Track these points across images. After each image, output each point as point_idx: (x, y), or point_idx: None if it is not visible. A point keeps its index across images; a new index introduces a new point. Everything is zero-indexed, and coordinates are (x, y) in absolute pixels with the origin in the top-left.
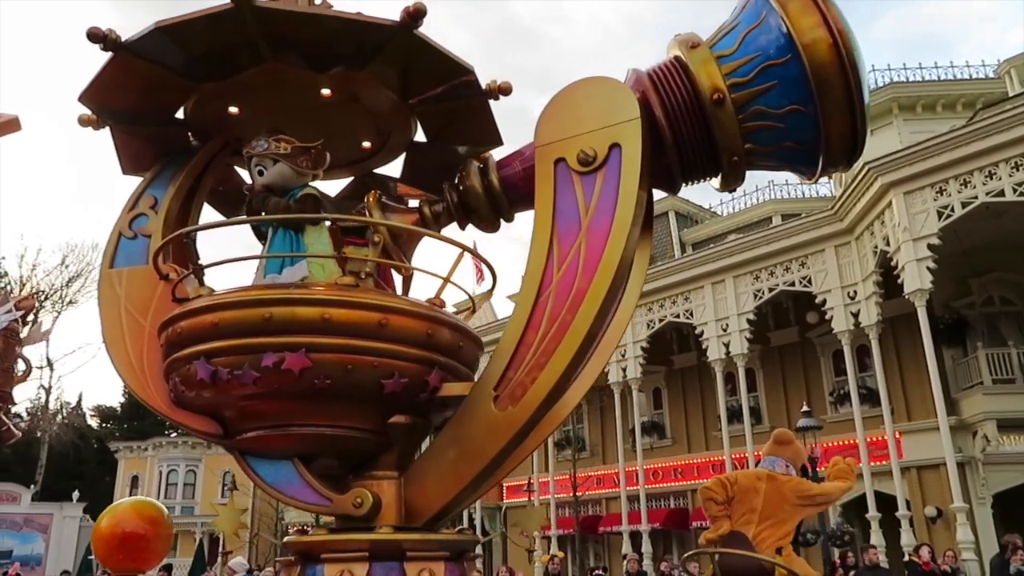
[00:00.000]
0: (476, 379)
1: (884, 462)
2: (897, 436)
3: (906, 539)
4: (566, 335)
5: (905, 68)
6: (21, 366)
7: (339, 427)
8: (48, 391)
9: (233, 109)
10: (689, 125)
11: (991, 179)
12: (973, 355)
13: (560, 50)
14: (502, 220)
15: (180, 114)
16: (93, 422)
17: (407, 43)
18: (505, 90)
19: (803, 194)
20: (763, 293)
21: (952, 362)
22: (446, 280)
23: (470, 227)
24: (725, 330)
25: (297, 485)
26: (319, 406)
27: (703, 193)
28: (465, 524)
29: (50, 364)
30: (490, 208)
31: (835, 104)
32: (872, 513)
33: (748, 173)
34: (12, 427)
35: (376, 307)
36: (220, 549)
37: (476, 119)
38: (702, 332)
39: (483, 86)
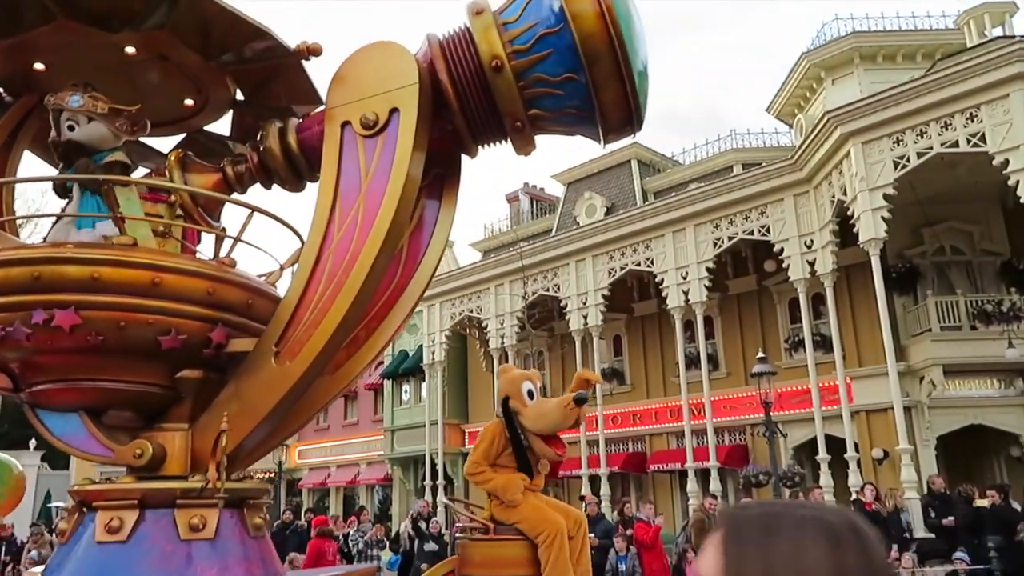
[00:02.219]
0: None
1: (835, 406)
2: (848, 381)
3: (853, 480)
4: (339, 294)
5: (867, 18)
6: None
7: (122, 381)
8: None
9: (39, 66)
10: (472, 91)
11: (946, 130)
12: (923, 303)
13: None
14: (307, 181)
15: None
16: None
17: (197, 4)
18: (315, 51)
19: (764, 143)
20: (723, 242)
21: (903, 310)
22: (236, 239)
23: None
24: (685, 278)
25: (83, 437)
26: (99, 361)
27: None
28: (427, 468)
29: None
30: (289, 169)
31: (605, 73)
32: (822, 455)
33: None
34: None
35: (148, 266)
36: None
37: (290, 79)
38: (662, 280)
39: (292, 47)
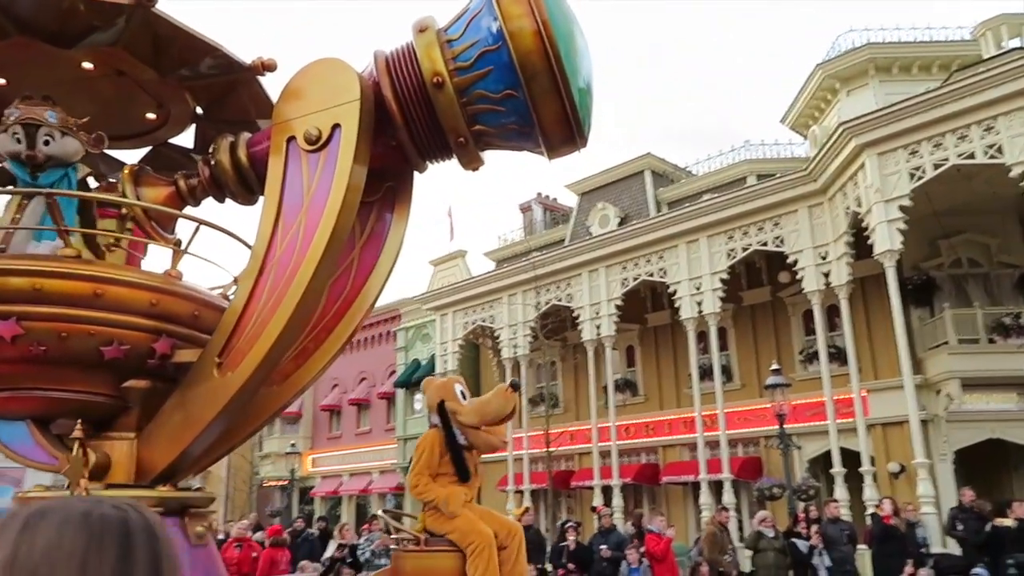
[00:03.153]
0: None
1: (851, 419)
2: (864, 394)
3: (869, 493)
4: (280, 306)
5: (883, 29)
6: None
7: (68, 391)
8: None
9: (0, 80)
10: (415, 107)
11: (963, 141)
12: (940, 315)
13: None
14: (258, 195)
15: None
16: None
17: (147, 20)
18: (269, 67)
19: (778, 154)
20: (736, 253)
21: (919, 322)
22: (182, 252)
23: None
24: (698, 289)
25: (29, 445)
26: (43, 371)
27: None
28: None
29: None
30: (239, 183)
31: (543, 90)
32: (837, 469)
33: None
34: None
35: (90, 277)
36: None
37: (248, 93)
38: (675, 291)
39: (247, 63)
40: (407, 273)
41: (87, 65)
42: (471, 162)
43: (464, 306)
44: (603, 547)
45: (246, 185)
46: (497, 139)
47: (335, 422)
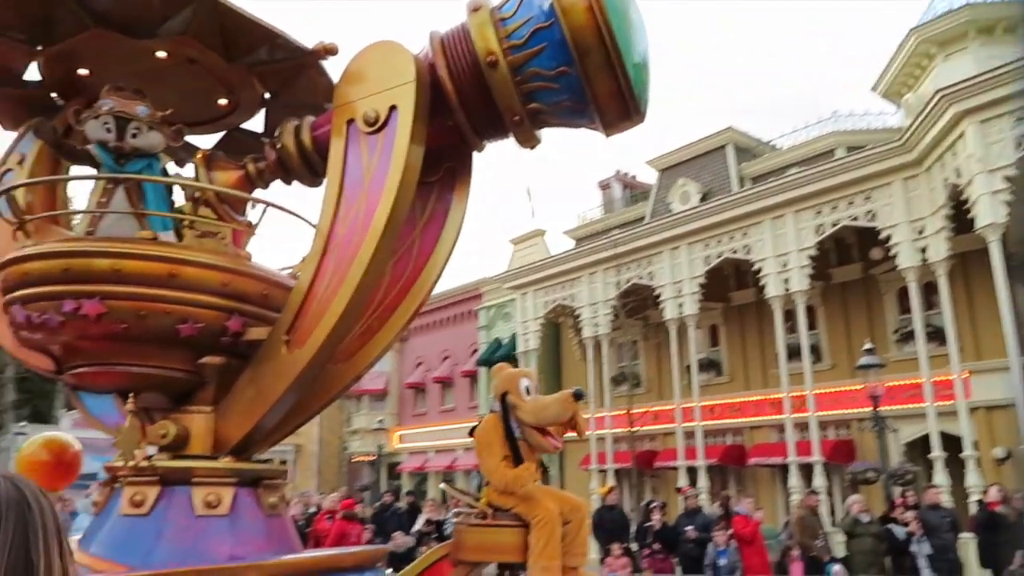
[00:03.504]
0: None
1: (951, 402)
2: (965, 376)
3: (972, 479)
4: (342, 286)
5: None
6: None
7: (149, 366)
8: None
9: (83, 71)
10: (470, 87)
11: None
12: None
13: None
14: (322, 177)
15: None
16: None
17: (214, 8)
18: (331, 50)
19: (869, 125)
20: (825, 228)
21: None
22: (251, 231)
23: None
24: (785, 266)
25: (115, 416)
26: (125, 347)
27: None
28: None
29: None
30: (304, 166)
31: (596, 67)
32: (936, 453)
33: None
34: None
35: (165, 259)
36: None
37: (312, 78)
38: (760, 269)
39: (309, 47)
40: (487, 252)
41: (160, 54)
42: (527, 141)
43: (544, 285)
44: (689, 528)
45: (310, 167)
46: (552, 117)
47: (420, 400)
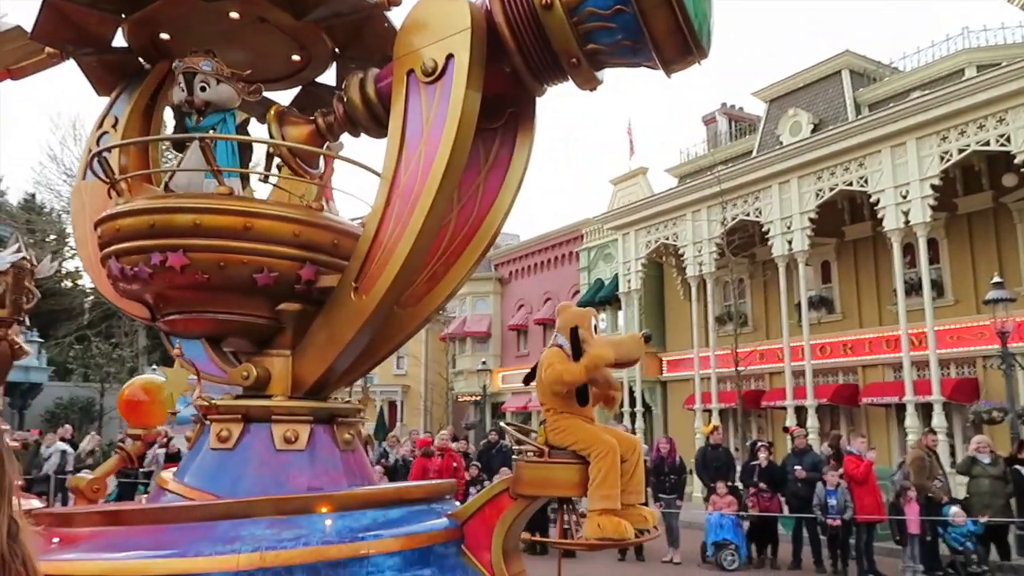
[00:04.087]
0: None
1: None
2: None
3: None
4: (404, 233)
5: None
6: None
7: (232, 313)
8: None
9: (165, 36)
10: (527, 31)
11: None
12: None
13: None
14: (387, 127)
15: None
16: None
17: None
18: (394, 2)
19: (1005, 40)
20: (951, 155)
21: None
22: (322, 185)
23: None
24: (905, 197)
25: (204, 360)
26: (209, 296)
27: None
28: (625, 395)
29: None
30: (370, 118)
31: (652, 3)
32: None
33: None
34: (23, 346)
35: (240, 212)
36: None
37: (377, 30)
38: (878, 200)
39: (373, 1)
40: (587, 193)
41: (233, 15)
42: (587, 82)
43: (646, 224)
44: (797, 468)
45: (376, 119)
46: (611, 57)
47: (522, 341)
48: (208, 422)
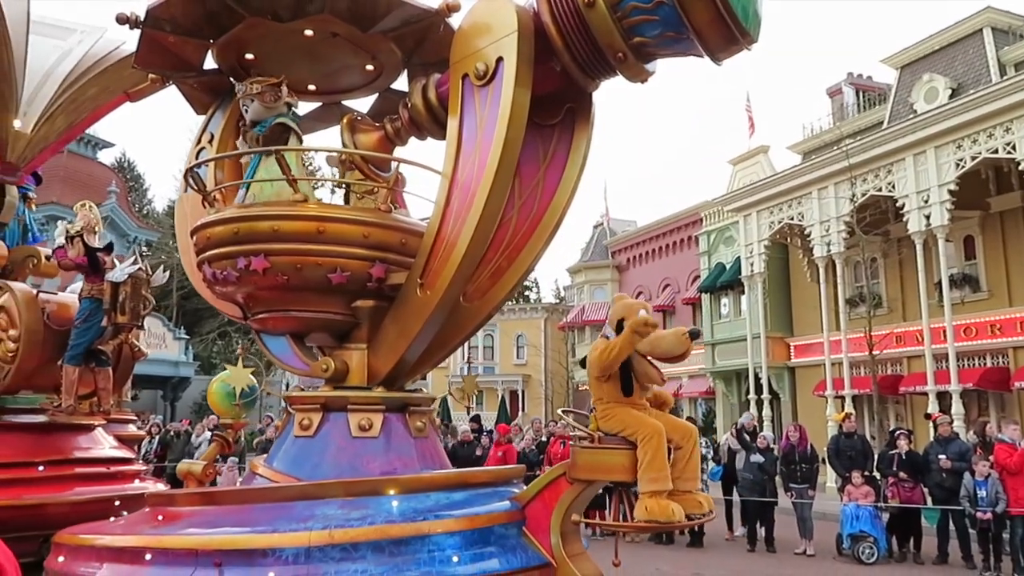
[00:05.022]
0: None
1: None
2: None
3: None
4: (463, 229)
5: None
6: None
7: (312, 311)
8: None
9: (249, 56)
10: (572, 29)
11: None
12: None
13: None
14: None
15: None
16: None
17: None
18: (454, 8)
19: None
20: None
21: None
22: (389, 188)
23: None
24: None
25: (289, 354)
26: (290, 296)
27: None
28: (751, 382)
29: None
30: (432, 121)
31: None
32: None
33: None
34: (141, 348)
35: (313, 218)
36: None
37: (442, 36)
38: None
39: (435, 7)
40: (705, 175)
41: (308, 32)
42: (636, 75)
43: (769, 204)
44: (942, 457)
45: (438, 122)
46: (658, 48)
47: None
48: (293, 411)
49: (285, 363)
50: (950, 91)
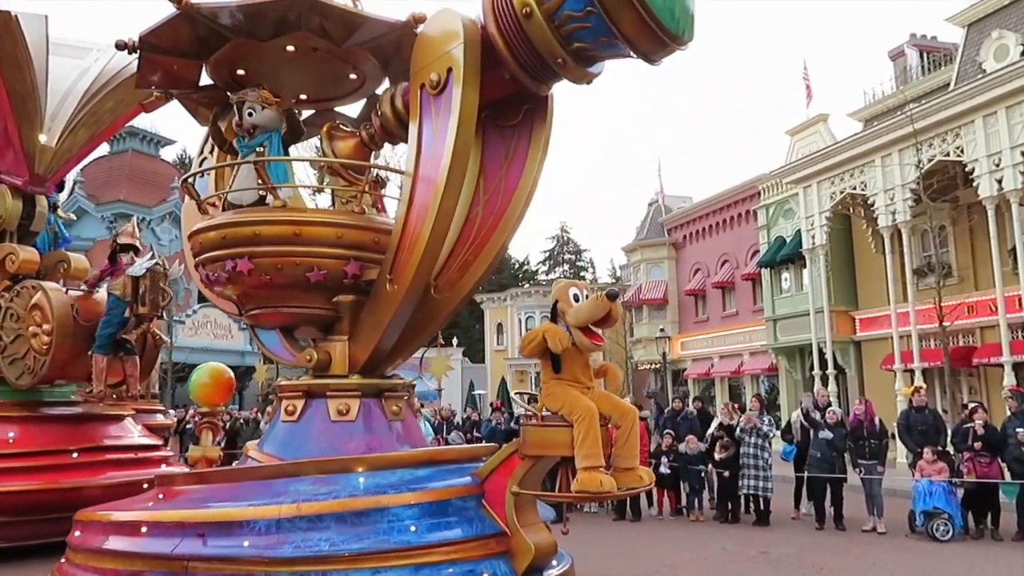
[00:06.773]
0: None
1: None
2: None
3: None
4: (422, 227)
5: None
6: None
7: (296, 306)
8: None
9: (241, 72)
10: (515, 39)
11: None
12: None
13: None
14: None
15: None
16: None
17: (311, 7)
18: (419, 19)
19: None
20: None
21: None
22: (361, 191)
23: None
24: None
25: (279, 347)
26: (275, 293)
27: None
28: (815, 358)
29: None
30: (401, 127)
31: (614, 2)
32: None
33: None
34: (163, 337)
35: (289, 222)
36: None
37: (412, 46)
38: None
39: (403, 20)
40: (762, 148)
41: (290, 48)
42: (579, 78)
43: (830, 175)
44: (1020, 431)
45: (405, 128)
46: (598, 52)
47: (700, 306)
48: (281, 399)
49: (275, 354)
50: (1022, 48)
